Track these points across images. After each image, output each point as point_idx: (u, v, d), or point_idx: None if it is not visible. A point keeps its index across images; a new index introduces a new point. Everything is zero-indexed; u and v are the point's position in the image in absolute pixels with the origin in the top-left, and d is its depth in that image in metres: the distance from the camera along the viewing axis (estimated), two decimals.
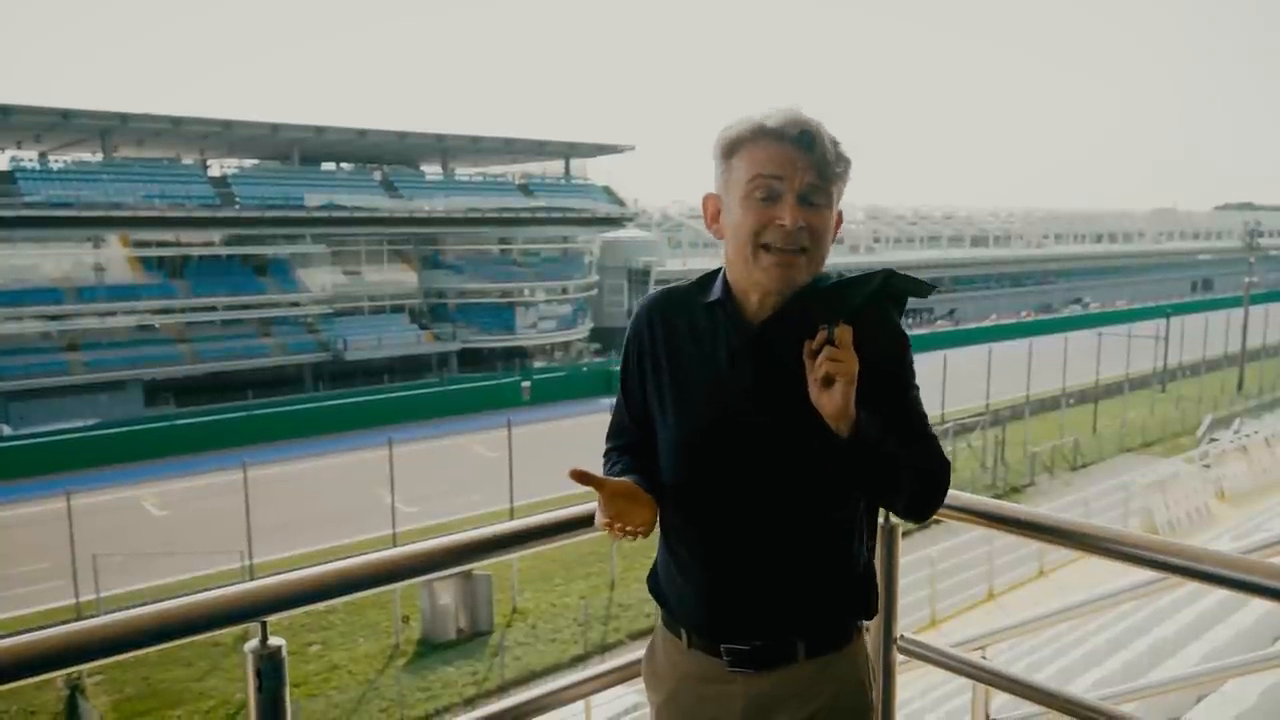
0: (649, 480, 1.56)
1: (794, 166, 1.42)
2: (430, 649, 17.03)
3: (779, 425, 1.46)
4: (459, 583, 17.17)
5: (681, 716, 1.63)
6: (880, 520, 1.90)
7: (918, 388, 1.52)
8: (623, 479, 1.52)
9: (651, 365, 1.60)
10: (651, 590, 1.69)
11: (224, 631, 1.39)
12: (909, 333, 1.52)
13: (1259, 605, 5.93)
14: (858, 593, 1.60)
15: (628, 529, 1.48)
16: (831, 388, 1.37)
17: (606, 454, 1.69)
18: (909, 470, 1.45)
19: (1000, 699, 2.10)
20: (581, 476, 1.42)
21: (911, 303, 1.57)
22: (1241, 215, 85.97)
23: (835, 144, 1.45)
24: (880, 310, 1.49)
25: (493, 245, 51.84)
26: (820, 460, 1.43)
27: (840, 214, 1.51)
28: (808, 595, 1.54)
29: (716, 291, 1.54)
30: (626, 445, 1.66)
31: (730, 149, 1.48)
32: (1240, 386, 41.34)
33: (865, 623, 1.66)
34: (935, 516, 1.80)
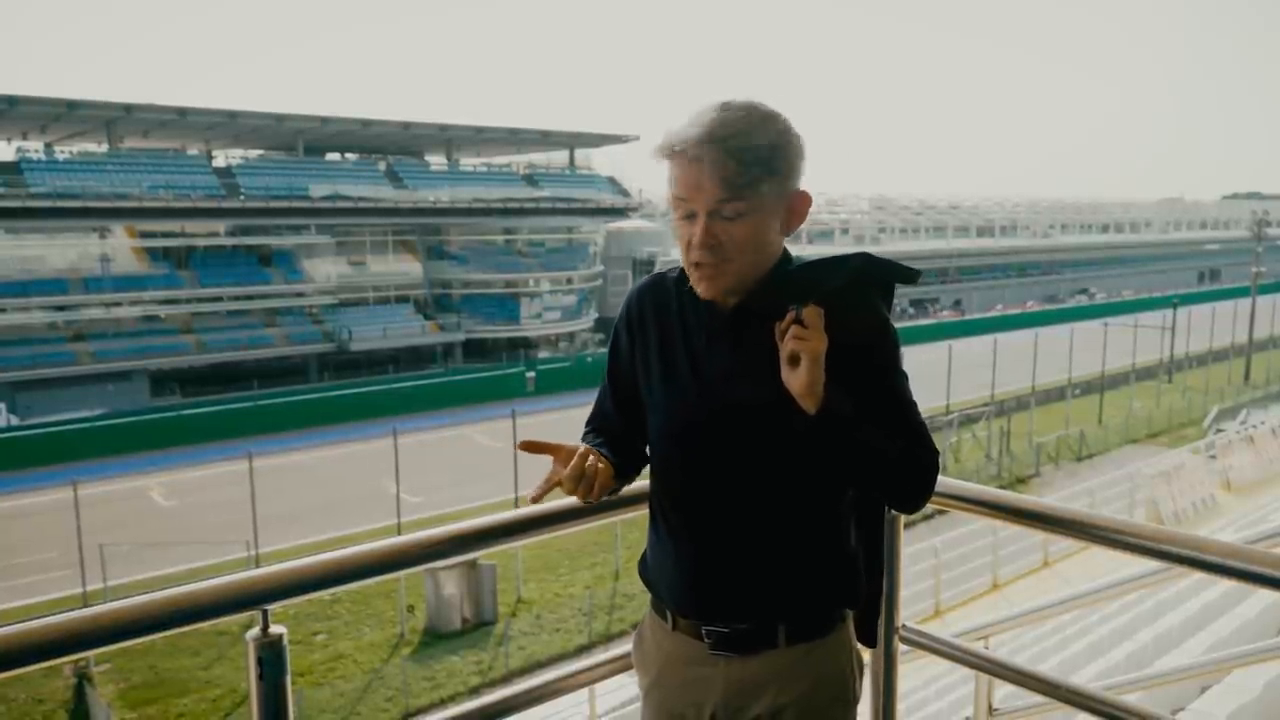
0: (611, 452, 1.61)
1: (698, 188, 1.41)
2: (435, 638, 17.09)
3: (753, 406, 1.47)
4: (464, 573, 17.23)
5: (666, 699, 1.63)
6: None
7: (905, 375, 1.50)
8: (578, 445, 1.57)
9: (640, 346, 1.62)
10: (641, 575, 1.70)
11: (230, 620, 1.39)
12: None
13: (1264, 596, 5.92)
14: (843, 581, 1.59)
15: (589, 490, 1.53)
16: (797, 366, 1.37)
17: (584, 436, 1.71)
18: (890, 456, 1.42)
19: (1003, 689, 2.10)
20: (531, 446, 1.53)
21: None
22: (1249, 204, 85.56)
23: (741, 149, 1.38)
24: (859, 295, 1.48)
25: (497, 236, 51.79)
26: (794, 441, 1.43)
27: (802, 194, 1.48)
28: (790, 579, 1.53)
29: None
30: (601, 428, 1.70)
31: (664, 161, 1.48)
32: (1247, 377, 41.19)
33: (851, 614, 1.64)
34: (939, 506, 1.79)
